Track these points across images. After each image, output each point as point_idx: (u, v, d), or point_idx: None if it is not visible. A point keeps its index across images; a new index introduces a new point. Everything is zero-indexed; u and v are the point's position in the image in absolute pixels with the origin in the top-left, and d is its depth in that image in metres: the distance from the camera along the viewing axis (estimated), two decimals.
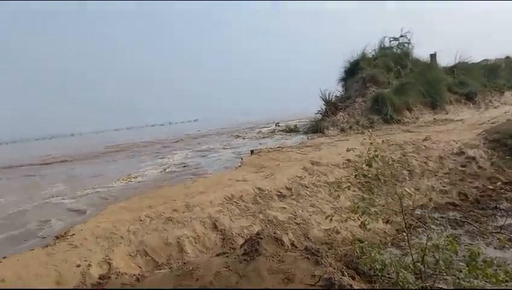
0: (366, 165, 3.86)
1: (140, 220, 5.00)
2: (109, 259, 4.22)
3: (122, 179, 9.76)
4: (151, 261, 4.46)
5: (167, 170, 10.68)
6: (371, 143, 3.97)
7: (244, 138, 18.55)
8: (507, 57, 29.49)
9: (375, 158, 3.97)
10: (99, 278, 3.91)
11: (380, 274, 3.56)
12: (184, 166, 11.09)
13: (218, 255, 4.00)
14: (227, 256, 3.73)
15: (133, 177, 9.84)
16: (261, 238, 3.66)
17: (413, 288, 3.40)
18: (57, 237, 4.71)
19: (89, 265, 4.03)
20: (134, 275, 4.06)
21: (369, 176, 3.88)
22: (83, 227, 4.82)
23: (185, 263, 3.87)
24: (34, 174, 13.87)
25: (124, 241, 4.58)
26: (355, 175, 4.00)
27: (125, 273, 4.12)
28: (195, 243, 4.85)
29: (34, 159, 20.32)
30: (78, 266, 4.01)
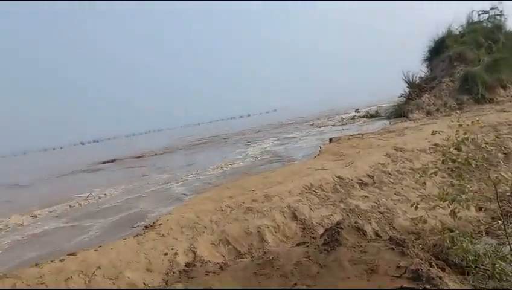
0: (455, 149, 3.57)
1: (222, 210, 5.13)
2: (194, 248, 4.39)
3: (217, 167, 10.78)
4: (233, 249, 4.56)
5: (254, 159, 11.06)
6: (460, 125, 3.66)
7: (323, 126, 18.29)
8: None
9: (465, 141, 3.66)
10: (186, 266, 4.08)
11: (473, 266, 3.28)
12: (268, 154, 11.45)
13: (298, 244, 3.98)
14: (308, 246, 3.69)
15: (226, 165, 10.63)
16: (342, 228, 3.57)
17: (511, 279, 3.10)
18: (146, 227, 5.00)
19: (176, 253, 4.22)
20: (217, 263, 4.19)
21: (459, 160, 3.58)
22: (169, 217, 5.06)
23: (265, 252, 3.89)
24: (134, 166, 15.28)
25: (207, 230, 4.73)
26: (443, 160, 3.71)
27: (209, 262, 4.26)
28: (276, 232, 4.86)
29: (127, 154, 22.01)
30: (166, 254, 4.22)
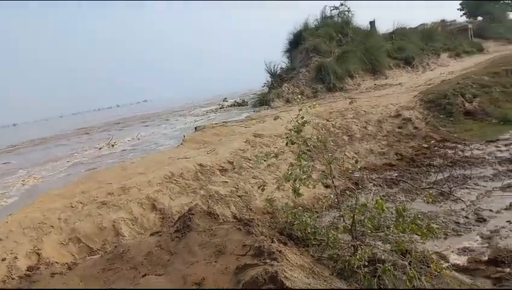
0: (295, 132, 3.87)
1: (72, 207, 4.81)
2: (38, 249, 4.04)
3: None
4: (85, 247, 4.32)
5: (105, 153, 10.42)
6: (300, 110, 3.98)
7: (192, 116, 18.28)
8: (442, 20, 30.69)
9: (305, 125, 3.99)
10: (28, 270, 3.74)
11: (312, 238, 3.62)
12: (128, 146, 10.89)
13: (151, 235, 3.93)
14: (160, 235, 3.67)
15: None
16: (193, 214, 3.62)
17: (344, 247, 3.49)
18: None
19: (15, 258, 3.84)
20: (66, 263, 3.93)
21: (299, 142, 3.90)
22: (8, 219, 4.56)
23: (115, 246, 3.76)
24: None
25: (54, 230, 4.39)
26: (286, 143, 4.00)
27: (57, 263, 3.97)
28: (133, 225, 4.74)
29: None
30: (3, 260, 3.81)
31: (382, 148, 8.30)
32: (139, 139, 12.40)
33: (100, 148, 11.50)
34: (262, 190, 4.01)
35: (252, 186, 6.03)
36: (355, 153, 7.96)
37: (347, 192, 4.56)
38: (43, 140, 18.93)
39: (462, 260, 4.01)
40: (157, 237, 3.61)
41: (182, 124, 14.63)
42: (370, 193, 5.82)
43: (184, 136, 8.94)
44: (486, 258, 3.91)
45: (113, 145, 11.67)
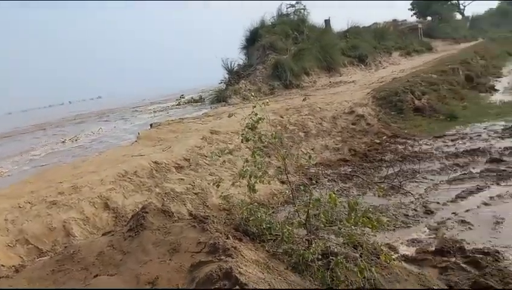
0: (249, 129, 3.88)
1: (20, 207, 4.60)
2: None
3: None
4: (34, 249, 4.15)
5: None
6: (254, 107, 3.99)
7: (147, 113, 17.91)
8: (394, 20, 31.80)
9: (260, 122, 4.00)
10: None
11: (267, 233, 3.65)
12: (79, 146, 10.50)
13: (104, 234, 3.82)
14: (113, 234, 3.57)
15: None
16: (147, 212, 3.55)
17: (298, 241, 3.55)
18: None
19: None
20: (13, 266, 3.76)
21: (254, 139, 3.91)
22: None
23: (65, 247, 3.63)
24: None
25: (0, 231, 4.18)
26: (242, 140, 4.00)
27: (3, 266, 3.79)
28: (84, 225, 4.59)
29: None
30: None
31: (337, 144, 8.49)
32: (99, 134, 12.26)
33: (64, 142, 11.38)
34: (218, 186, 3.99)
35: (208, 183, 5.99)
36: (311, 149, 8.10)
37: (301, 187, 4.63)
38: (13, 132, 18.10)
39: (410, 251, 4.18)
40: (109, 237, 3.52)
41: (138, 121, 14.36)
42: (324, 188, 5.94)
43: (139, 134, 8.75)
44: (433, 248, 4.09)
45: (76, 140, 11.53)
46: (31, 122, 24.40)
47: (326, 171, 7.11)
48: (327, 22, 22.36)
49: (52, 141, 12.28)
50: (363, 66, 19.75)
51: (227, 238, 3.13)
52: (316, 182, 6.51)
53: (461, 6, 53.30)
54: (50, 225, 4.39)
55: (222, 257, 2.85)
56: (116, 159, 6.52)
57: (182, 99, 21.29)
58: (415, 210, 5.13)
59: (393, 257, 3.65)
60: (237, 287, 2.40)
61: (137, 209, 4.94)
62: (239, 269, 2.62)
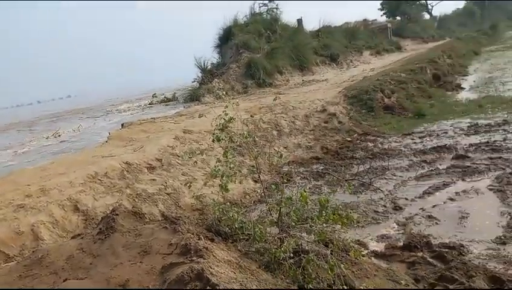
0: (219, 129, 3.88)
1: None
2: None
3: None
4: (0, 254, 4.03)
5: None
6: (226, 107, 4.00)
7: (119, 112, 17.61)
8: (364, 20, 32.35)
9: (231, 121, 4.01)
10: None
11: (239, 232, 3.67)
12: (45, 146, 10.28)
13: (73, 237, 3.76)
14: (82, 237, 3.52)
15: None
16: (117, 214, 3.51)
17: (271, 240, 3.58)
18: None
19: None
20: None
21: (225, 139, 3.92)
22: None
23: (33, 251, 3.55)
24: None
25: None
26: (213, 140, 4.00)
27: None
28: (54, 228, 4.49)
29: None
30: None
31: (309, 142, 8.59)
32: (79, 131, 12.37)
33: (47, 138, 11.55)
34: (189, 186, 4.00)
35: (181, 183, 5.95)
36: (284, 147, 8.17)
37: (274, 186, 4.67)
38: None
39: (380, 247, 4.29)
40: (79, 240, 3.46)
41: (115, 118, 14.26)
42: (297, 186, 6.00)
43: (109, 134, 8.60)
44: (402, 243, 4.21)
45: (59, 135, 11.71)
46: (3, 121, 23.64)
47: (299, 169, 7.19)
48: (299, 21, 22.53)
49: (35, 137, 12.40)
50: (335, 65, 20.02)
51: (199, 239, 3.13)
52: (289, 180, 6.55)
53: (429, 6, 54.75)
54: (17, 228, 4.27)
55: (194, 258, 2.85)
56: (86, 160, 6.39)
57: (155, 99, 21.01)
58: (385, 206, 5.26)
59: (363, 253, 3.75)
60: (208, 287, 2.40)
61: (107, 212, 4.89)
62: (210, 269, 2.63)
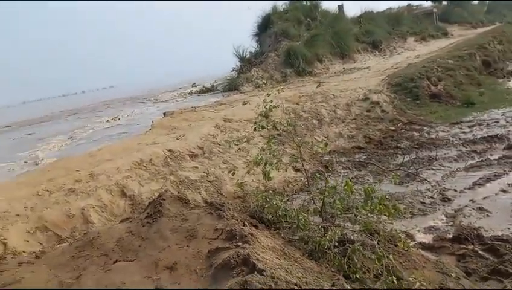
0: (264, 117, 3.87)
1: (39, 195, 4.67)
2: (4, 239, 3.92)
3: None
4: (53, 236, 4.22)
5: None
6: (268, 95, 3.97)
7: (159, 102, 17.96)
8: (408, 5, 31.22)
9: (274, 109, 3.99)
10: None
11: (283, 220, 3.66)
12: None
13: (122, 221, 3.87)
14: (131, 221, 3.62)
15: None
16: (164, 199, 3.59)
17: (314, 229, 3.54)
18: None
19: None
20: (34, 252, 3.82)
21: (268, 127, 3.90)
22: None
23: (85, 233, 3.69)
24: None
25: (20, 218, 4.26)
26: (255, 128, 4.00)
27: (24, 252, 3.87)
28: (102, 212, 4.65)
29: None
30: None
31: (351, 132, 8.44)
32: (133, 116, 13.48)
33: (107, 121, 12.84)
34: (233, 174, 4.02)
35: (222, 171, 6.01)
36: (325, 137, 8.06)
37: (317, 175, 4.62)
38: (49, 117, 19.19)
39: (428, 239, 4.16)
40: (127, 223, 3.56)
41: (159, 105, 15.02)
42: (339, 175, 5.91)
43: (152, 122, 8.79)
44: (451, 236, 4.07)
45: (119, 119, 13.12)
46: (57, 109, 24.81)
47: (340, 159, 7.09)
48: (340, 7, 22.05)
49: (95, 121, 13.57)
50: (377, 52, 19.48)
51: (243, 225, 3.15)
52: (331, 169, 6.48)
53: None
54: (68, 212, 4.45)
55: (239, 244, 2.87)
56: (132, 147, 6.56)
57: (194, 88, 21.29)
58: (432, 197, 5.10)
59: (410, 244, 3.64)
60: (255, 273, 2.40)
61: (153, 197, 5.00)
62: (256, 255, 2.63)
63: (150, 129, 8.17)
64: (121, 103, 20.88)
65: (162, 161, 5.96)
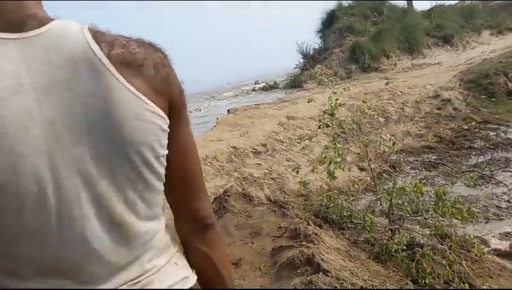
0: (329, 114, 3.81)
1: None
2: None
3: None
4: None
5: None
6: (334, 92, 3.91)
7: (224, 99, 18.34)
8: None
9: (340, 107, 3.93)
10: None
11: (348, 221, 3.60)
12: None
13: None
14: None
15: None
16: (229, 195, 3.67)
17: (381, 231, 3.45)
18: None
19: None
20: None
21: (333, 125, 3.85)
22: None
23: None
24: None
25: None
26: (319, 126, 3.95)
27: None
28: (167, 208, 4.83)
29: None
30: None
31: (420, 130, 8.09)
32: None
33: (191, 112, 13.66)
34: (297, 172, 4.00)
35: (285, 169, 6.01)
36: (392, 135, 7.78)
37: (383, 175, 4.49)
38: None
39: (503, 245, 3.89)
40: None
41: (219, 105, 15.24)
42: (408, 176, 5.70)
43: (217, 119, 8.99)
44: None
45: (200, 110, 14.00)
46: None
47: (408, 159, 6.82)
48: (409, 1, 21.17)
49: None
50: (448, 46, 18.45)
51: (308, 225, 3.14)
52: (398, 169, 6.25)
53: None
54: None
55: (303, 243, 2.86)
56: (197, 143, 6.74)
57: (257, 85, 21.47)
58: (509, 202, 4.78)
59: (484, 250, 3.43)
60: (320, 273, 2.39)
61: (217, 193, 5.12)
62: (321, 255, 2.62)
63: (215, 126, 8.37)
64: (191, 97, 21.69)
65: (226, 157, 6.08)
